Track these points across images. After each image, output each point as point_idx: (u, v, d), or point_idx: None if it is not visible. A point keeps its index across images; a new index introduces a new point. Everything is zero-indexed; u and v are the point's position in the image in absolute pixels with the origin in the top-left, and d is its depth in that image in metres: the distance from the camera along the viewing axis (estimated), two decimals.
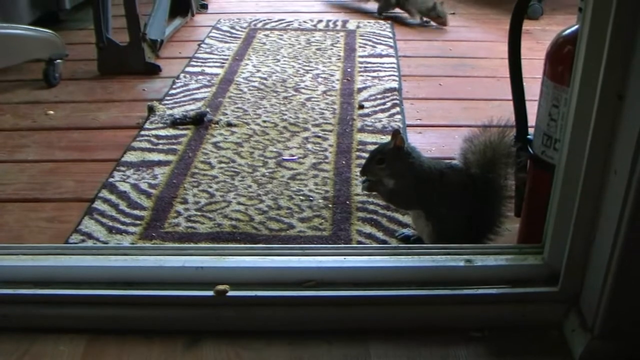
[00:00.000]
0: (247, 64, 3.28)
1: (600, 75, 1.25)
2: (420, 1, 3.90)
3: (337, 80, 3.08)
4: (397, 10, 4.10)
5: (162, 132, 2.56)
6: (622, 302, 1.34)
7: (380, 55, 3.40)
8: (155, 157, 2.37)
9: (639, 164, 1.19)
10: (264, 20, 4.01)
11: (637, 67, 1.19)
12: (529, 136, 1.73)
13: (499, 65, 3.19)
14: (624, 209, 1.25)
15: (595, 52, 1.26)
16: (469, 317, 1.51)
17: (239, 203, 2.08)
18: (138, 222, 1.99)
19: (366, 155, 1.94)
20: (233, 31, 3.81)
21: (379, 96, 2.89)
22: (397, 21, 4.01)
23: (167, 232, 1.95)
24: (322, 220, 2.00)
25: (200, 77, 3.13)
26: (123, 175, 2.24)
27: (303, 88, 2.98)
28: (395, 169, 1.71)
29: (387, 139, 2.25)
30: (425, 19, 3.97)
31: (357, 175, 2.20)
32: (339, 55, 3.40)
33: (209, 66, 3.27)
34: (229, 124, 2.61)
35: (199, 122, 2.62)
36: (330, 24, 3.94)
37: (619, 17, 1.19)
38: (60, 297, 1.50)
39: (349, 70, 3.20)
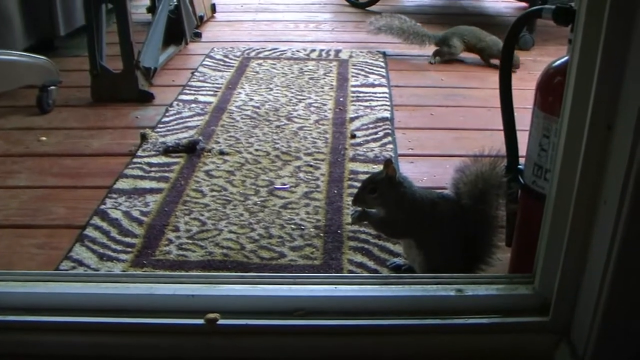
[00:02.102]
0: (240, 93, 3.29)
1: (590, 105, 1.25)
2: (493, 44, 3.76)
3: (330, 109, 3.09)
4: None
5: (154, 160, 2.56)
6: (613, 332, 1.34)
7: (373, 85, 3.42)
8: (147, 184, 2.37)
9: (628, 194, 1.20)
10: (257, 49, 4.03)
11: (626, 98, 1.20)
12: (519, 166, 1.73)
13: (490, 96, 3.20)
14: (613, 238, 1.25)
15: (584, 83, 1.27)
16: (460, 346, 1.51)
17: (230, 231, 2.08)
18: (129, 249, 1.99)
19: (358, 184, 1.95)
20: (226, 60, 3.82)
21: (371, 126, 2.90)
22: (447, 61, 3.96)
23: (158, 259, 1.95)
24: (314, 249, 2.00)
25: (193, 105, 3.14)
26: (115, 202, 2.24)
27: (295, 117, 2.99)
28: (387, 198, 1.71)
29: (379, 168, 2.27)
30: (493, 61, 3.80)
31: (348, 205, 2.20)
32: (332, 85, 3.41)
33: (202, 94, 3.28)
34: (222, 152, 2.62)
35: (191, 150, 2.62)
36: (323, 54, 3.96)
37: (608, 48, 1.21)
38: (50, 324, 1.49)
39: (341, 99, 3.22)
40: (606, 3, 1.19)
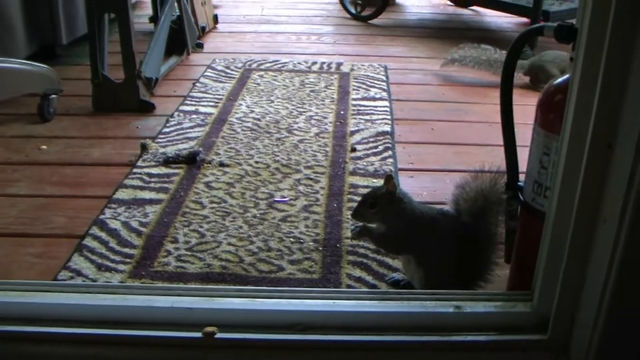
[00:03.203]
0: (241, 104, 3.29)
1: (591, 124, 1.26)
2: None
3: (330, 122, 3.09)
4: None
5: (154, 171, 2.56)
6: (611, 350, 1.34)
7: (374, 99, 3.42)
8: (146, 195, 2.37)
9: (628, 214, 1.20)
10: (259, 61, 4.03)
11: (627, 116, 1.20)
12: (519, 183, 1.73)
13: (491, 111, 3.21)
14: (613, 257, 1.25)
15: (585, 101, 1.27)
16: None
17: (229, 244, 2.08)
18: (128, 260, 1.99)
19: (358, 198, 1.95)
20: (228, 71, 3.83)
21: (371, 139, 2.90)
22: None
23: (156, 271, 1.94)
24: (312, 263, 2.00)
25: (194, 116, 3.14)
26: (114, 212, 2.24)
27: (296, 130, 3.00)
28: (387, 213, 1.71)
29: (379, 182, 2.27)
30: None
31: (348, 218, 2.20)
32: (333, 98, 3.42)
33: (203, 105, 3.28)
34: (222, 164, 2.62)
35: (191, 161, 2.62)
36: (325, 66, 3.96)
37: (609, 67, 1.21)
38: (47, 335, 1.49)
39: (342, 112, 3.22)
40: (608, 22, 1.19)
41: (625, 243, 1.22)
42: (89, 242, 2.07)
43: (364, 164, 2.66)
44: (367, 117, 3.16)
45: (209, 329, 1.47)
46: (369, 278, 1.94)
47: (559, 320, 1.44)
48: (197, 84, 3.60)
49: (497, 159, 1.81)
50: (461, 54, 3.85)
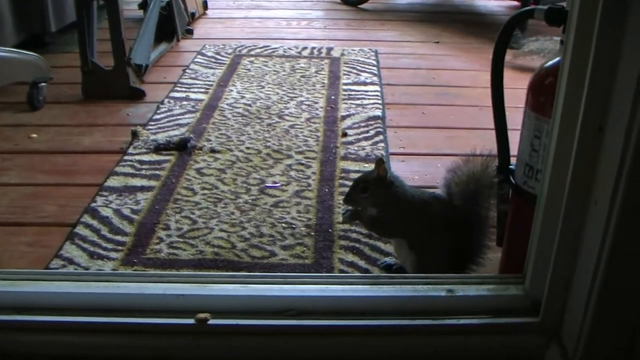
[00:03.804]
0: (231, 90, 3.29)
1: (582, 106, 1.25)
2: None
3: (321, 107, 3.09)
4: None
5: (145, 158, 2.55)
6: (603, 333, 1.34)
7: (365, 83, 3.42)
8: (138, 182, 2.36)
9: (619, 196, 1.20)
10: (249, 47, 4.02)
11: (618, 99, 1.20)
12: (511, 166, 1.74)
13: (482, 95, 3.20)
14: (604, 240, 1.25)
15: (576, 84, 1.27)
16: (451, 347, 1.51)
17: (221, 230, 2.08)
18: (120, 247, 1.99)
19: (349, 183, 1.95)
20: (218, 57, 3.82)
21: (362, 124, 2.90)
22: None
23: (149, 258, 1.94)
24: (304, 248, 2.00)
25: (185, 102, 3.13)
26: (105, 200, 2.24)
27: (287, 115, 2.99)
28: (378, 197, 1.71)
29: (370, 167, 2.27)
30: None
31: (340, 203, 2.20)
32: (323, 83, 3.41)
33: (193, 92, 3.27)
34: (213, 150, 2.61)
35: (182, 148, 2.62)
36: (315, 51, 3.96)
37: (600, 50, 1.20)
38: (39, 323, 1.48)
39: (332, 97, 3.21)
40: (598, 4, 1.19)
41: (616, 225, 1.22)
42: (80, 230, 2.07)
43: (355, 148, 2.66)
44: (358, 102, 3.16)
45: (202, 315, 1.47)
46: (361, 263, 1.94)
47: (551, 303, 1.44)
48: (187, 71, 3.59)
49: (488, 143, 1.81)
50: (538, 46, 3.82)
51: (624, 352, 1.36)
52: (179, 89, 3.32)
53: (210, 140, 2.71)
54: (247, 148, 2.65)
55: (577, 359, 1.38)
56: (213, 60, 3.77)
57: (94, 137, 2.79)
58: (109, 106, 3.10)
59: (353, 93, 3.28)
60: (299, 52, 3.95)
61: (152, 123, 2.89)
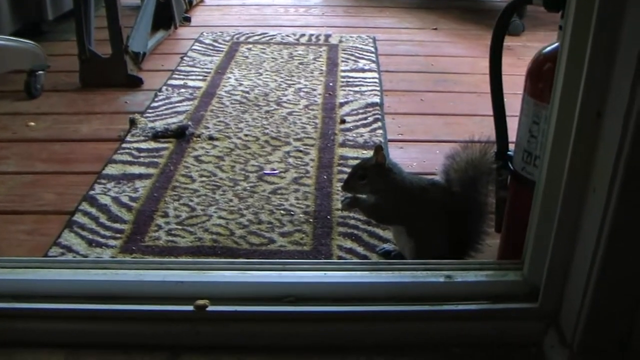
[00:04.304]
0: (229, 78, 3.28)
1: (580, 92, 1.26)
2: None
3: (319, 94, 3.08)
4: None
5: (143, 145, 2.55)
6: (601, 318, 1.35)
7: (363, 70, 3.41)
8: (136, 170, 2.36)
9: (617, 183, 1.20)
10: (247, 34, 4.01)
11: (616, 85, 1.20)
12: (509, 152, 1.73)
13: (480, 81, 3.20)
14: (602, 226, 1.25)
15: (575, 69, 1.27)
16: (449, 332, 1.51)
17: (219, 217, 2.08)
18: (118, 235, 1.98)
19: (348, 170, 1.95)
20: (216, 44, 3.80)
21: (360, 111, 2.89)
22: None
23: (147, 245, 1.94)
24: (303, 235, 2.00)
25: (183, 90, 3.13)
26: (104, 188, 2.24)
27: (285, 102, 2.99)
28: (376, 184, 1.71)
29: (368, 153, 2.27)
30: None
31: (338, 190, 2.20)
32: (322, 70, 3.40)
33: (191, 79, 3.26)
34: (211, 138, 2.61)
35: (180, 135, 2.61)
36: (313, 38, 3.95)
37: (598, 35, 1.20)
38: (38, 311, 1.49)
39: (331, 84, 3.21)
40: None
41: (614, 212, 1.22)
42: (79, 218, 2.07)
43: (354, 135, 2.66)
44: (356, 89, 3.15)
45: (201, 302, 1.47)
46: (360, 249, 1.94)
47: (549, 289, 1.45)
48: (185, 58, 3.58)
49: (486, 129, 1.81)
50: None
51: (622, 338, 1.37)
52: (176, 76, 3.31)
53: (209, 128, 2.71)
54: (245, 135, 2.65)
55: (575, 344, 1.39)
56: (211, 47, 3.76)
57: (91, 125, 2.78)
58: (106, 94, 3.10)
59: (351, 80, 3.27)
60: (297, 39, 3.94)
61: (150, 111, 2.88)
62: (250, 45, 3.80)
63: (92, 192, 2.21)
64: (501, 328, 1.51)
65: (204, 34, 4.01)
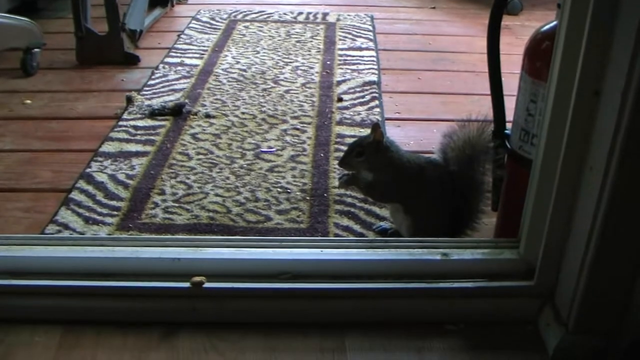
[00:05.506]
0: (226, 56, 3.27)
1: (578, 71, 1.25)
2: None
3: (317, 72, 3.07)
4: None
5: (140, 123, 2.54)
6: (596, 296, 1.35)
7: (360, 49, 3.40)
8: (133, 147, 2.36)
9: (614, 161, 1.20)
10: (244, 12, 3.99)
11: (614, 64, 1.20)
12: (506, 131, 1.73)
13: (478, 60, 3.20)
14: (599, 205, 1.25)
15: (572, 48, 1.27)
16: (445, 310, 1.52)
17: (216, 195, 2.08)
18: (115, 213, 1.98)
19: (345, 148, 1.95)
20: (213, 22, 3.79)
21: (358, 89, 2.89)
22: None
23: (144, 223, 1.94)
24: (300, 213, 2.00)
25: (180, 68, 3.12)
26: (100, 165, 2.23)
27: (282, 80, 2.98)
28: (374, 162, 1.71)
29: (365, 132, 2.27)
30: None
31: (335, 168, 2.20)
32: (319, 48, 3.39)
33: (188, 57, 3.25)
34: (208, 116, 2.60)
35: (177, 113, 2.61)
36: (311, 16, 3.93)
37: (596, 14, 1.20)
38: (35, 287, 1.49)
39: (328, 63, 3.20)
40: None
41: (610, 190, 1.23)
42: (75, 195, 2.07)
43: (351, 113, 2.66)
44: (354, 67, 3.14)
45: (197, 278, 1.47)
46: (357, 227, 1.94)
47: (545, 267, 1.45)
48: (182, 36, 3.56)
49: (483, 108, 1.81)
50: None
51: (617, 316, 1.38)
52: (173, 54, 3.29)
53: (205, 106, 2.70)
54: (242, 113, 2.64)
55: (570, 322, 1.39)
56: (208, 25, 3.74)
57: (88, 102, 2.77)
58: (103, 72, 3.08)
59: (349, 58, 3.26)
60: (295, 18, 3.92)
61: (147, 88, 2.87)
62: (247, 23, 3.78)
63: (88, 170, 2.20)
64: (497, 306, 1.51)
65: (201, 11, 3.99)
